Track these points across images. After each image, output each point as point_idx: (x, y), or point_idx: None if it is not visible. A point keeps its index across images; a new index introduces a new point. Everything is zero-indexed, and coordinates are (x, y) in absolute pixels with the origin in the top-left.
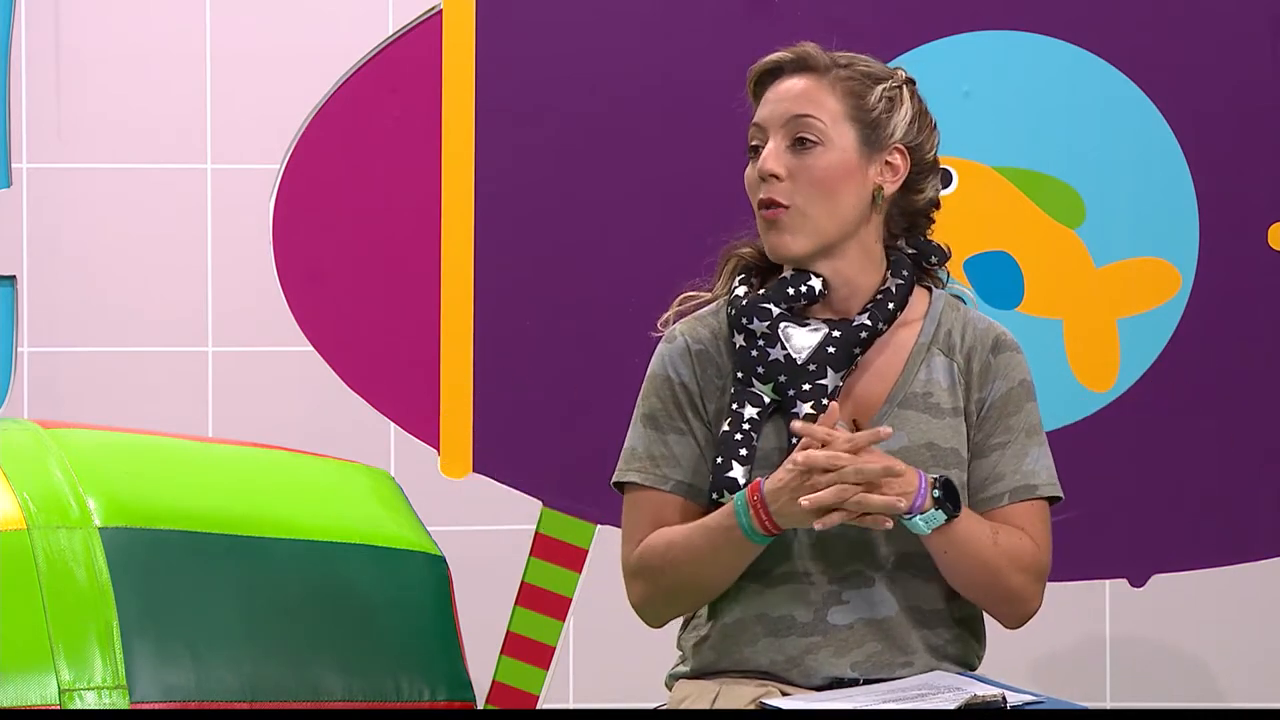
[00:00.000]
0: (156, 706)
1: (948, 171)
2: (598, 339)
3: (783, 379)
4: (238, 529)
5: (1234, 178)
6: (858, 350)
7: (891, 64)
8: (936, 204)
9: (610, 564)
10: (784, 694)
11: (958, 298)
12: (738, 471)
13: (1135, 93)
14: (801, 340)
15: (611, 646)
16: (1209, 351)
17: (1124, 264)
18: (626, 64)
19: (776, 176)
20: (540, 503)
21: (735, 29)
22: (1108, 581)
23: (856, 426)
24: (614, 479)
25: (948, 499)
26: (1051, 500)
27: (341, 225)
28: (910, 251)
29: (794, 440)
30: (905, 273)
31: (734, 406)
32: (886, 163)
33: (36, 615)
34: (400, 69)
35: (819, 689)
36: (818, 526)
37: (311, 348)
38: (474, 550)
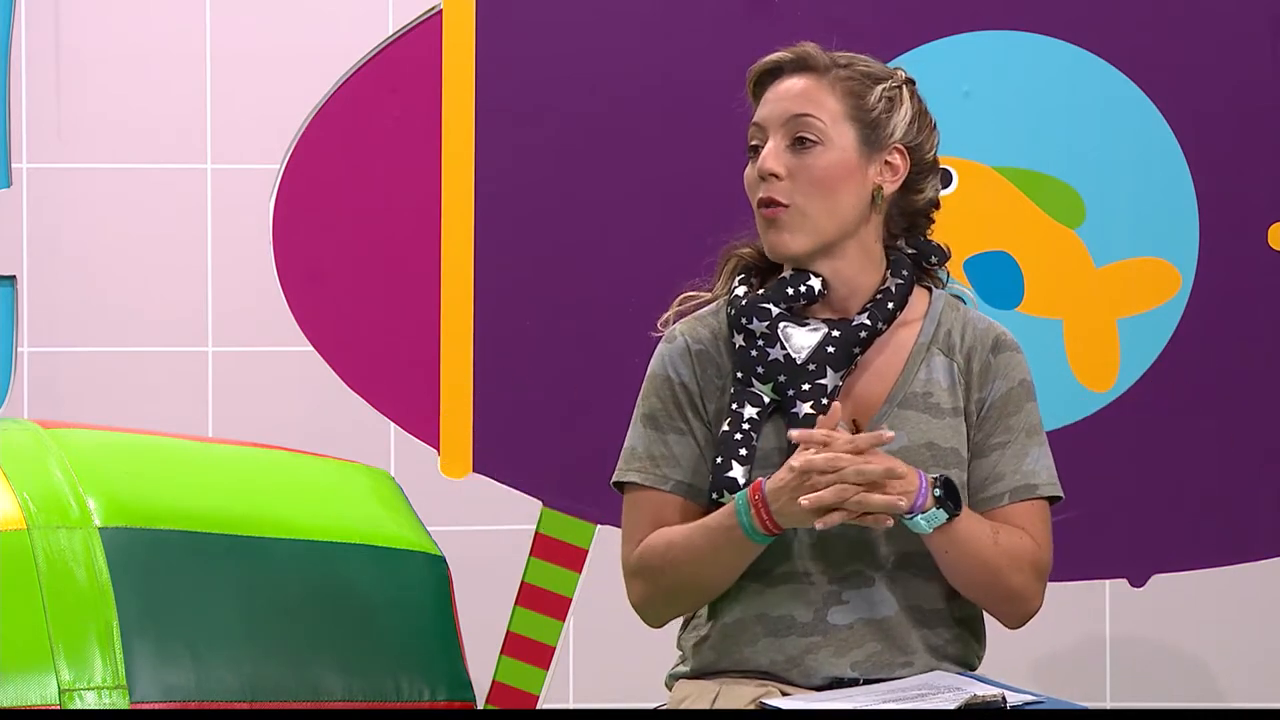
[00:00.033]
0: (156, 706)
1: (948, 171)
2: (598, 339)
3: (782, 379)
4: (238, 529)
5: (1234, 178)
6: (857, 350)
7: (891, 64)
8: (936, 204)
9: (610, 564)
10: (784, 694)
11: (958, 298)
12: (737, 471)
13: (1135, 93)
14: (801, 340)
15: (611, 646)
16: (1209, 351)
17: (1124, 264)
18: (626, 64)
19: (776, 175)
20: (540, 503)
21: (735, 29)
22: (1108, 581)
23: (856, 426)
24: (614, 479)
25: (949, 498)
26: (1052, 500)
27: (341, 225)
28: (910, 251)
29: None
30: (905, 272)
31: (733, 406)
32: (886, 162)
33: (36, 615)
34: (400, 69)
35: (819, 689)
36: (818, 526)
37: (311, 348)
38: (474, 550)
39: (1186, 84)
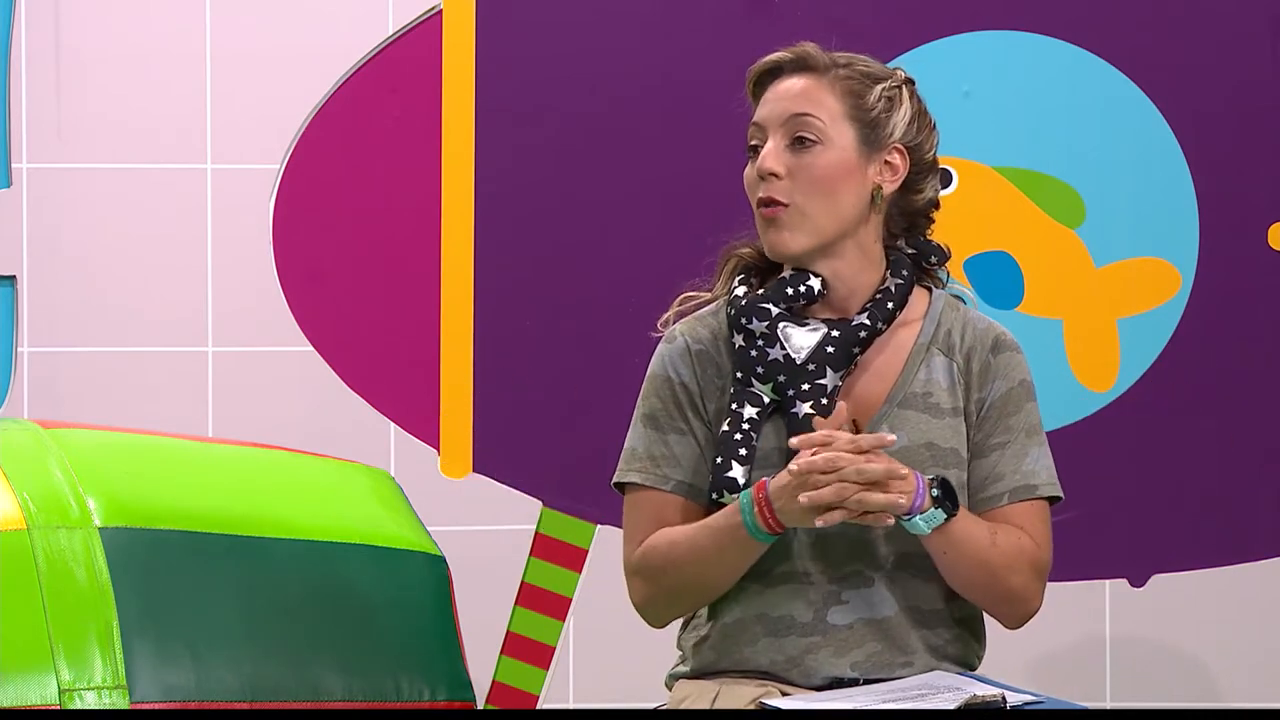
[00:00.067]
0: (156, 706)
1: (948, 171)
2: (598, 339)
3: (782, 379)
4: (238, 529)
5: (1234, 178)
6: (857, 350)
7: (891, 64)
8: (936, 204)
9: (610, 564)
10: (784, 694)
11: (958, 298)
12: (737, 471)
13: (1135, 93)
14: (801, 340)
15: (611, 646)
16: (1209, 351)
17: (1124, 264)
18: (626, 64)
19: (776, 175)
20: (540, 503)
21: (735, 29)
22: (1108, 581)
23: (856, 426)
24: (615, 479)
25: (946, 499)
26: (1052, 500)
27: (341, 225)
28: (910, 251)
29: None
30: (905, 272)
31: (733, 406)
32: (886, 162)
33: (36, 615)
34: (400, 69)
35: (819, 689)
36: (818, 523)
37: (311, 348)
38: (474, 550)
39: (1186, 84)
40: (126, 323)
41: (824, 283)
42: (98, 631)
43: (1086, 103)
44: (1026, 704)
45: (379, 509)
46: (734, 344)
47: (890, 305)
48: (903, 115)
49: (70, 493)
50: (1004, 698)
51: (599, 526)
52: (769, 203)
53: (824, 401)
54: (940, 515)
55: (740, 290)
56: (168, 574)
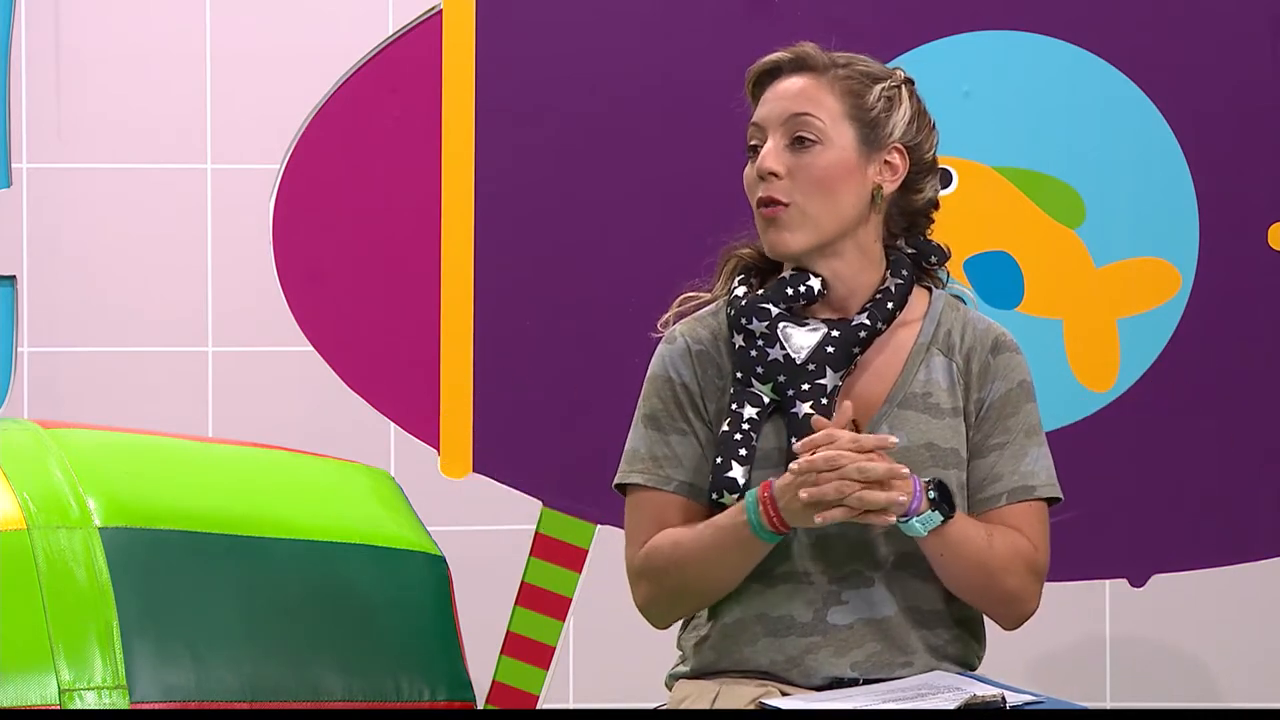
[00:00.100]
0: (156, 706)
1: (948, 171)
2: (598, 339)
3: (782, 379)
4: (238, 529)
5: (1234, 178)
6: (857, 350)
7: (891, 64)
8: (936, 204)
9: (610, 564)
10: (784, 694)
11: (958, 298)
12: (737, 471)
13: (1135, 93)
14: (800, 340)
15: (611, 646)
16: (1209, 351)
17: (1124, 264)
18: (626, 64)
19: (775, 175)
20: (540, 503)
21: (735, 29)
22: (1108, 581)
23: (856, 426)
24: (616, 480)
25: (943, 501)
26: (1051, 501)
27: (341, 225)
28: (910, 251)
29: (793, 440)
30: (905, 272)
31: (733, 406)
32: (885, 162)
33: (36, 615)
34: (400, 69)
35: (819, 689)
36: (817, 520)
37: (311, 348)
38: (474, 550)
39: (1186, 84)
40: (126, 323)
41: (824, 283)
42: (98, 631)
43: (1086, 103)
44: (1026, 704)
45: (379, 509)
46: (734, 344)
47: (890, 305)
48: (902, 115)
49: (70, 493)
50: (1004, 698)
51: (599, 526)
52: (769, 202)
53: (824, 401)
54: (937, 518)
55: (740, 290)
56: (168, 574)
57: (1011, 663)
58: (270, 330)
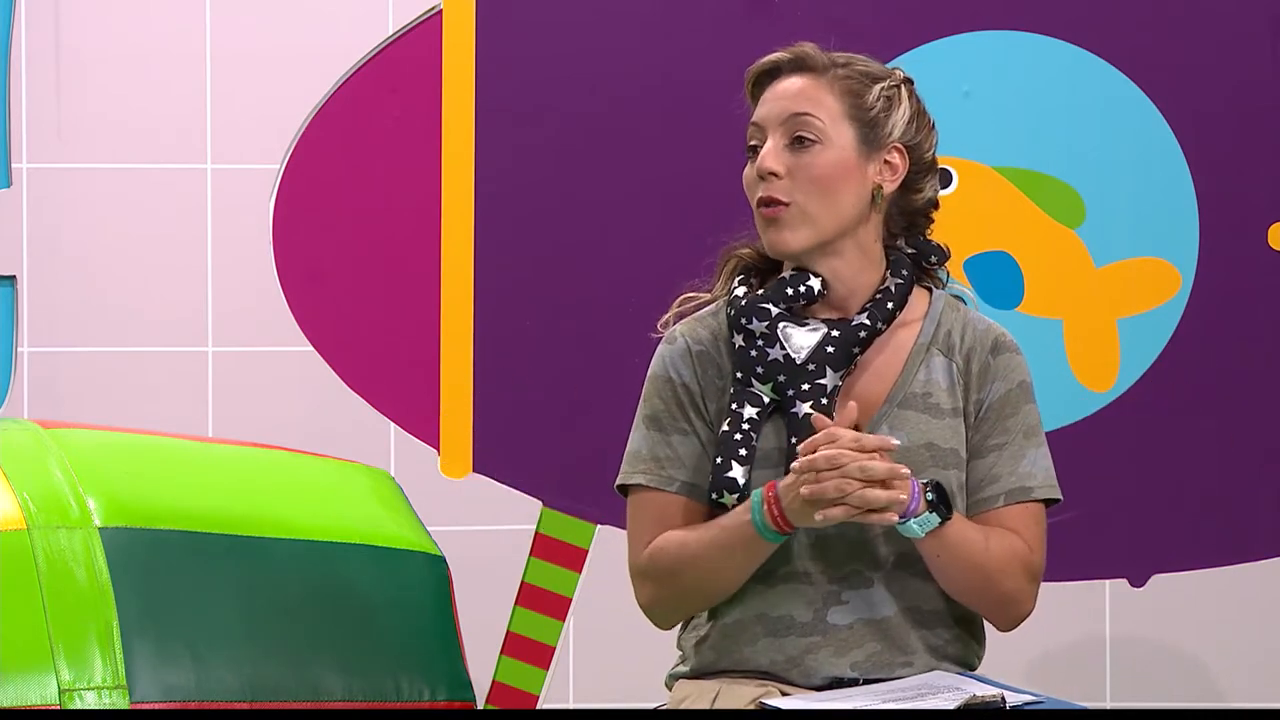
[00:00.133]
0: (156, 706)
1: (948, 171)
2: (598, 339)
3: (782, 379)
4: (238, 529)
5: (1234, 178)
6: (857, 350)
7: (891, 64)
8: (935, 204)
9: (610, 564)
10: (784, 694)
11: (958, 298)
12: (737, 471)
13: (1135, 93)
14: (800, 340)
15: (611, 646)
16: (1209, 351)
17: (1124, 264)
18: (626, 64)
19: (775, 174)
20: (540, 503)
21: (735, 29)
22: (1108, 581)
23: (857, 427)
24: (619, 481)
25: (941, 502)
26: (1049, 502)
27: (341, 225)
28: (910, 251)
29: (793, 440)
30: (905, 272)
31: (733, 406)
32: (885, 161)
33: (36, 615)
34: (400, 69)
35: (819, 689)
36: (817, 518)
37: (311, 348)
38: (474, 550)
39: (1186, 84)
40: (126, 323)
41: (824, 283)
42: (98, 631)
43: (1086, 103)
44: (1026, 704)
45: (379, 509)
46: (734, 344)
47: (890, 305)
48: (902, 114)
49: (70, 493)
50: (1004, 698)
51: (599, 526)
52: (769, 202)
53: (824, 401)
54: (934, 519)
55: (740, 290)
56: (168, 574)
57: (1011, 663)
58: (270, 330)
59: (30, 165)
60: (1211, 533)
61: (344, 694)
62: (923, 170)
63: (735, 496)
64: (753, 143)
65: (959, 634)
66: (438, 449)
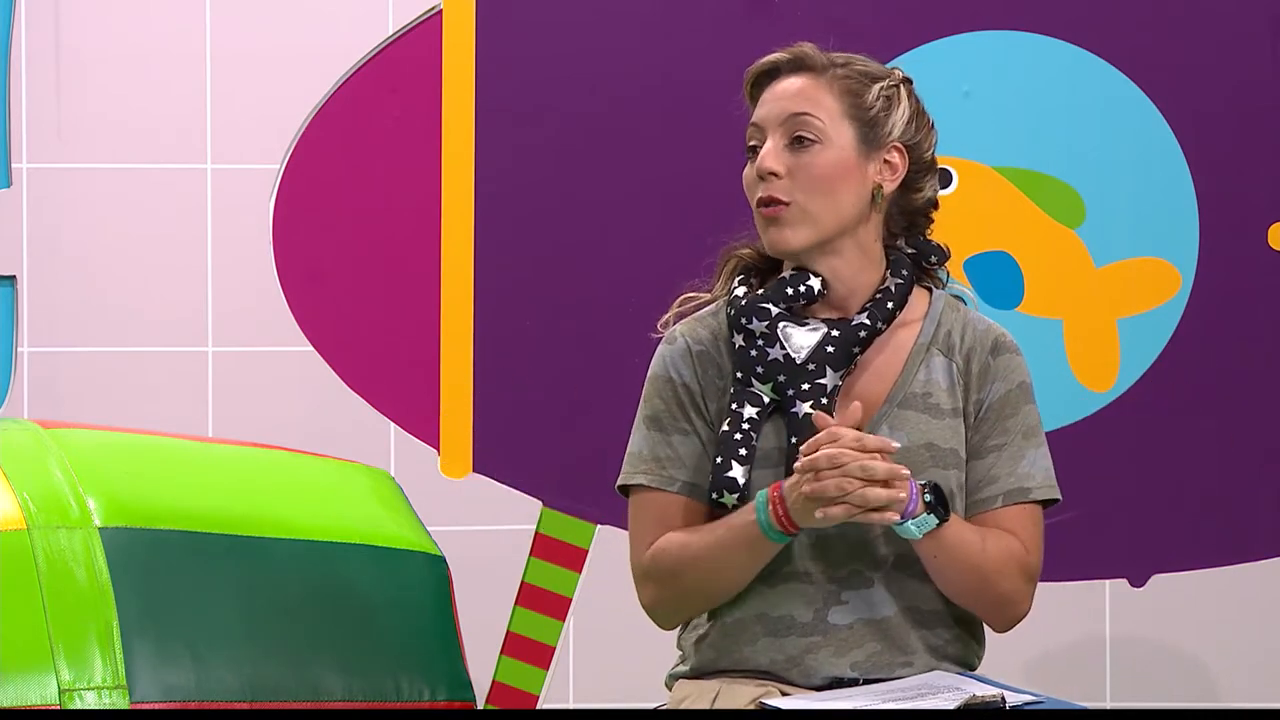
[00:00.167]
0: (156, 706)
1: (947, 171)
2: (598, 339)
3: (782, 379)
4: (238, 529)
5: (1234, 178)
6: (857, 350)
7: (891, 64)
8: (935, 204)
9: (610, 564)
10: (784, 694)
11: (958, 298)
12: (737, 471)
13: (1135, 93)
14: (801, 340)
15: (611, 646)
16: (1209, 351)
17: (1124, 264)
18: (626, 64)
19: (775, 174)
20: (540, 503)
21: (735, 29)
22: (1108, 581)
23: (857, 427)
24: (620, 482)
25: (938, 503)
26: (1048, 502)
27: (341, 225)
28: (910, 251)
29: (793, 440)
30: (905, 272)
31: (733, 406)
32: (885, 161)
33: (36, 615)
34: (400, 69)
35: (819, 689)
36: (818, 516)
37: (311, 348)
38: (474, 550)
39: (1186, 84)
40: (126, 323)
41: (824, 282)
42: (98, 631)
43: (1086, 103)
44: (1026, 704)
45: (379, 509)
46: (734, 344)
47: (890, 305)
48: (901, 114)
49: (70, 493)
50: (1004, 698)
51: (599, 526)
52: (769, 202)
53: (824, 401)
54: (932, 520)
55: (740, 290)
56: (168, 574)
57: (1011, 663)
58: (270, 330)
59: (30, 165)
60: (1211, 533)
61: (344, 694)
62: (922, 170)
63: (735, 496)
64: (752, 143)
65: (959, 634)
66: (438, 449)
